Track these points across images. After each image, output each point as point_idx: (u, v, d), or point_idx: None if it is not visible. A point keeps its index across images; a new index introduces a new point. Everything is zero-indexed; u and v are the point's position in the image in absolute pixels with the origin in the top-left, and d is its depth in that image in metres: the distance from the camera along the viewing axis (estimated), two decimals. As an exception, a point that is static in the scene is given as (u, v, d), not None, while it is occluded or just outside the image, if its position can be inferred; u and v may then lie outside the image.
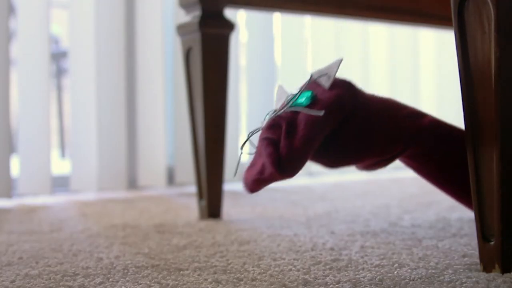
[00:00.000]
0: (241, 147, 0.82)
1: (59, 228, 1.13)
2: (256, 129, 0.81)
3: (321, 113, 0.77)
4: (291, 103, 0.79)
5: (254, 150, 0.81)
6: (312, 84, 0.82)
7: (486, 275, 0.68)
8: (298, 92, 0.80)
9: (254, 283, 0.69)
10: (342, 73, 0.85)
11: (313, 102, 0.79)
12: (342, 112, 0.80)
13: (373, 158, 0.86)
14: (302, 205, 1.41)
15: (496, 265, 0.68)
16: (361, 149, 0.83)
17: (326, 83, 0.81)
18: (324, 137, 0.80)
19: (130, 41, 1.96)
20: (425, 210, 1.27)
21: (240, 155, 0.82)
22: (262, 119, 0.82)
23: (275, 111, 0.81)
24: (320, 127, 0.77)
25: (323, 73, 0.82)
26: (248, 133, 0.82)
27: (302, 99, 0.80)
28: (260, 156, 0.77)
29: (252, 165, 0.79)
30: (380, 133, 0.84)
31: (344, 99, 0.80)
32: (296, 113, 0.78)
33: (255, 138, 0.81)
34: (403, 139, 0.86)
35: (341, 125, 0.81)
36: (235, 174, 0.89)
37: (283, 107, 0.79)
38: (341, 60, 0.81)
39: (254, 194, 1.72)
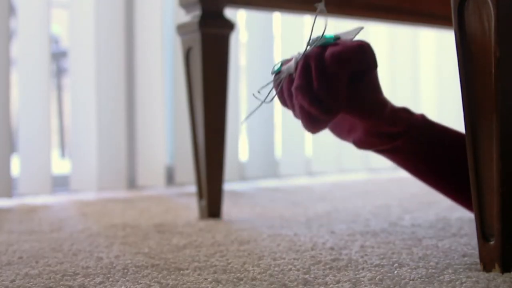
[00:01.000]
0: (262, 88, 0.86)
1: (59, 227, 1.13)
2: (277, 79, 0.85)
3: (360, 29, 0.82)
4: (316, 43, 0.82)
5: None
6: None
7: (486, 274, 0.68)
8: (320, 37, 0.83)
9: (254, 282, 0.69)
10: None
11: (337, 44, 0.82)
12: (363, 59, 0.82)
13: (372, 124, 0.89)
14: (302, 205, 1.41)
15: (496, 265, 0.68)
16: (366, 106, 0.86)
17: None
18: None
19: (130, 41, 1.96)
20: (425, 210, 1.27)
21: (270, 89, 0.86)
22: (276, 65, 0.86)
23: (298, 54, 0.83)
24: (348, 66, 0.81)
25: (342, 36, 0.85)
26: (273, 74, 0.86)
27: (328, 38, 0.83)
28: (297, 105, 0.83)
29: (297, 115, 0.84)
30: (382, 108, 0.88)
31: (367, 51, 0.83)
32: (323, 50, 0.82)
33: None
34: (400, 123, 0.89)
35: (356, 76, 0.84)
36: (268, 99, 0.85)
37: (307, 47, 0.82)
38: (361, 28, 0.84)
39: (253, 194, 1.72)
